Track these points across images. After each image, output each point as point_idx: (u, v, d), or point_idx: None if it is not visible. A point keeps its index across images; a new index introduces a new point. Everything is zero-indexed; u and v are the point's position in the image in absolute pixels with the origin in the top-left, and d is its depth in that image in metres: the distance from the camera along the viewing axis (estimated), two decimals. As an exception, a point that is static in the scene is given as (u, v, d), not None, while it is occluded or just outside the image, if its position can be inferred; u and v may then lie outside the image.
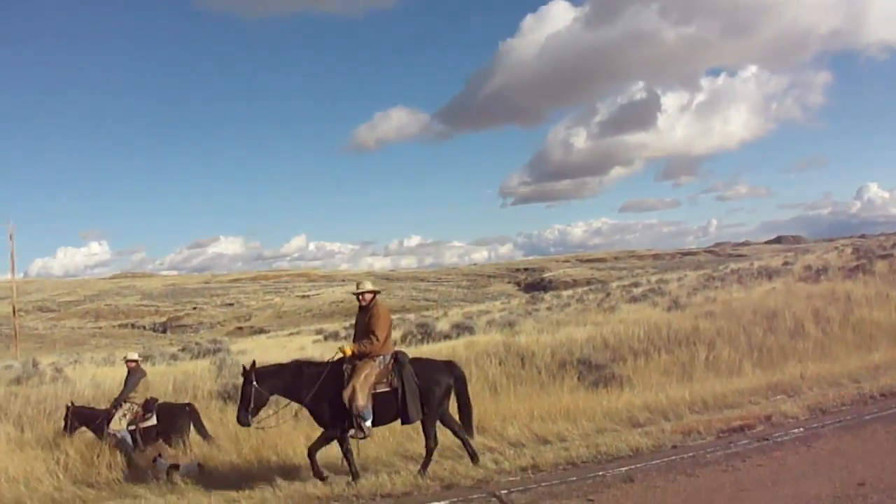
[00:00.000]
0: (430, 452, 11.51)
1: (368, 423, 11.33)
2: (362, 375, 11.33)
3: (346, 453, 11.46)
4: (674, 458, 10.99)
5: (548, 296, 66.91)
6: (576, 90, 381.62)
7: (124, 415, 14.70)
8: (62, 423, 15.28)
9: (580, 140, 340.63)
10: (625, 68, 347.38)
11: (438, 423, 11.84)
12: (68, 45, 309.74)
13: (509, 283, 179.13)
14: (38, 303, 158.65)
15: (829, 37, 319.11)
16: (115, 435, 14.46)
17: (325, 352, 29.33)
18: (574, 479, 10.36)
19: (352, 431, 11.41)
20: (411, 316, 60.95)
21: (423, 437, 11.99)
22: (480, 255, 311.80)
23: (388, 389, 11.50)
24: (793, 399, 14.21)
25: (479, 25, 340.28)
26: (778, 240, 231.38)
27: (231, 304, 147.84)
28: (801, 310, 23.33)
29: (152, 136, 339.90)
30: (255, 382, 11.44)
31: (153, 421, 14.65)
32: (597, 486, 9.86)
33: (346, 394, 11.21)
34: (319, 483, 11.23)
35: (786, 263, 50.10)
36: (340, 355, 11.63)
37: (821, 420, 12.55)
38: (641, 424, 13.37)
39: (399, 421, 11.72)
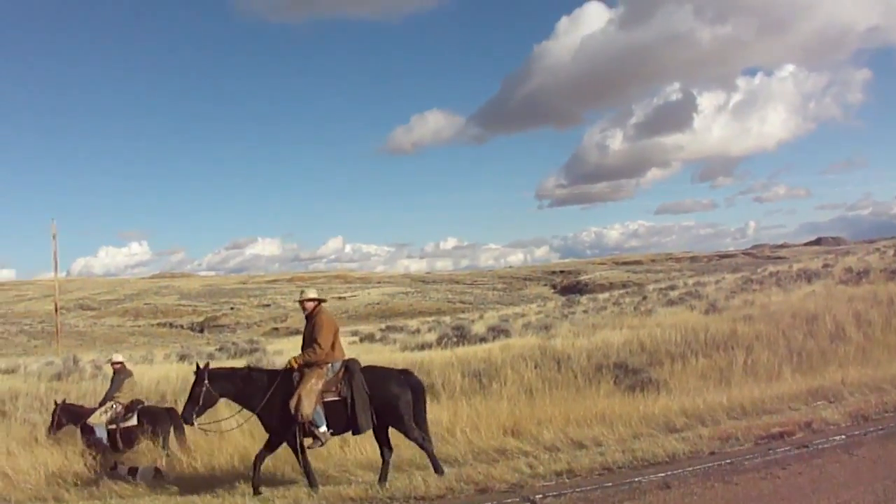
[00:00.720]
0: (430, 455, 11.47)
1: (323, 429, 11.25)
2: (308, 384, 11.25)
3: (305, 465, 11.40)
4: (711, 464, 10.81)
5: (584, 299, 66.77)
6: (611, 92, 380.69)
7: (105, 412, 14.94)
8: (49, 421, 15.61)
9: (616, 142, 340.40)
10: (660, 69, 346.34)
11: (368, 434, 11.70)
12: (109, 48, 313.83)
13: (545, 285, 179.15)
14: (79, 301, 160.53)
15: (868, 33, 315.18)
16: (91, 429, 14.70)
17: (360, 352, 29.52)
18: (609, 484, 10.23)
19: (308, 441, 11.36)
20: (447, 318, 61.11)
21: (457, 441, 11.91)
22: (516, 258, 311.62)
23: (337, 398, 11.38)
24: (834, 405, 13.94)
25: (514, 28, 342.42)
26: (817, 241, 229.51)
27: (268, 305, 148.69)
28: (842, 313, 23.00)
29: (192, 139, 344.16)
30: (206, 383, 11.46)
31: (133, 422, 14.81)
32: (632, 493, 9.72)
33: (292, 403, 11.12)
34: (353, 484, 11.27)
35: (826, 265, 49.47)
36: (290, 366, 11.54)
37: (863, 427, 12.26)
38: (678, 430, 13.19)
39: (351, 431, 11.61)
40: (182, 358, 35.25)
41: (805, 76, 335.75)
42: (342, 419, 11.35)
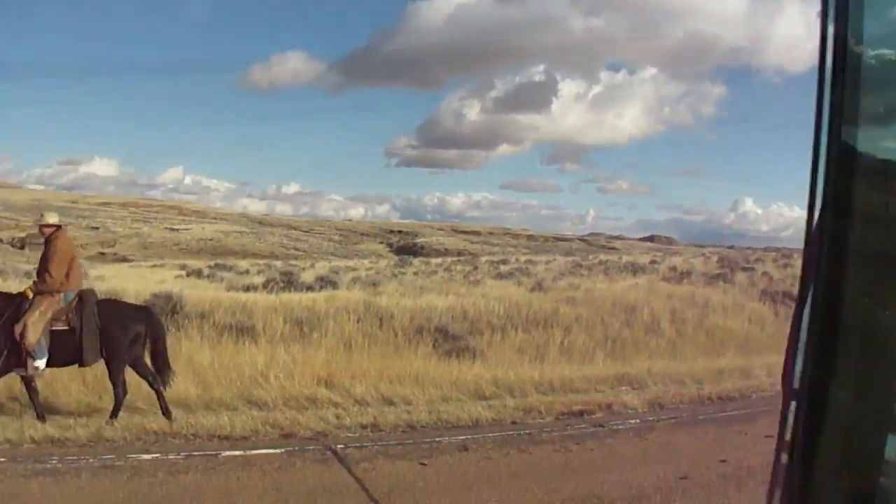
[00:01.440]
0: (117, 400, 11.06)
1: (39, 363, 10.78)
2: (37, 311, 10.80)
3: (31, 392, 10.99)
4: (511, 433, 11.21)
5: (417, 261, 67.21)
6: (477, 63, 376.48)
7: None
8: None
9: (473, 112, 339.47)
10: (528, 49, 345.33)
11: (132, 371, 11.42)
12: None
13: (381, 243, 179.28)
14: None
15: (731, 53, 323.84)
16: None
17: (185, 287, 28.98)
18: (411, 442, 10.49)
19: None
20: (278, 263, 60.60)
21: (270, 385, 11.91)
22: (357, 212, 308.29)
23: (66, 328, 10.98)
24: (636, 391, 14.54)
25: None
26: (651, 238, 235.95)
27: (96, 228, 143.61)
28: (660, 308, 23.86)
29: (37, 41, 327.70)
30: None
31: None
32: (431, 451, 9.99)
33: (18, 329, 10.65)
34: (161, 417, 11.08)
35: (653, 262, 51.09)
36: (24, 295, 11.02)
37: (657, 414, 12.92)
38: (486, 398, 13.53)
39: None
40: (-4, 274, 33.66)
41: (665, 81, 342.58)
42: (69, 349, 10.93)
